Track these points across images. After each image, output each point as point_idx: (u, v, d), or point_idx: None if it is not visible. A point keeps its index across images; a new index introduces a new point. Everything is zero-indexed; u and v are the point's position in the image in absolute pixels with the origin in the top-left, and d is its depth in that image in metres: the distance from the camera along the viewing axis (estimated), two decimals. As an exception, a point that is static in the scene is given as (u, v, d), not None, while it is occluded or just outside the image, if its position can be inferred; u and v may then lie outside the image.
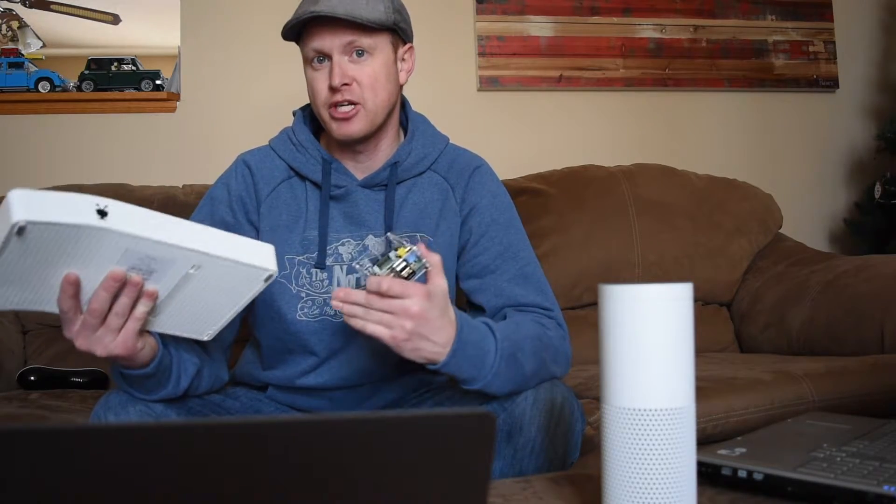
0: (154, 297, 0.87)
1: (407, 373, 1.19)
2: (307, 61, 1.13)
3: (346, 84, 1.09)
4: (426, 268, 0.93)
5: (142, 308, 0.86)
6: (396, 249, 0.94)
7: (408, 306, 0.90)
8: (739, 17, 2.49)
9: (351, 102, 1.10)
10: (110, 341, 0.87)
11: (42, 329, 1.82)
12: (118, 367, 0.96)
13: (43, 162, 2.12)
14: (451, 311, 0.96)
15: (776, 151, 2.53)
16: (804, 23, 2.53)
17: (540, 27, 2.37)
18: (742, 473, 0.77)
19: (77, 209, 0.76)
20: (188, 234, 0.84)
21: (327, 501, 0.46)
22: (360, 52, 1.10)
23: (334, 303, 0.93)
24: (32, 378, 1.64)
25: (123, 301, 0.85)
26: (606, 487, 0.67)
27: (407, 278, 0.93)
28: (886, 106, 2.55)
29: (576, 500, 0.78)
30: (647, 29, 2.44)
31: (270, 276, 0.90)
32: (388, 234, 0.96)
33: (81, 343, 0.87)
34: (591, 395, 1.45)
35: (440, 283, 0.93)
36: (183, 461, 0.43)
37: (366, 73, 1.10)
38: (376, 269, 0.94)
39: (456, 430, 0.47)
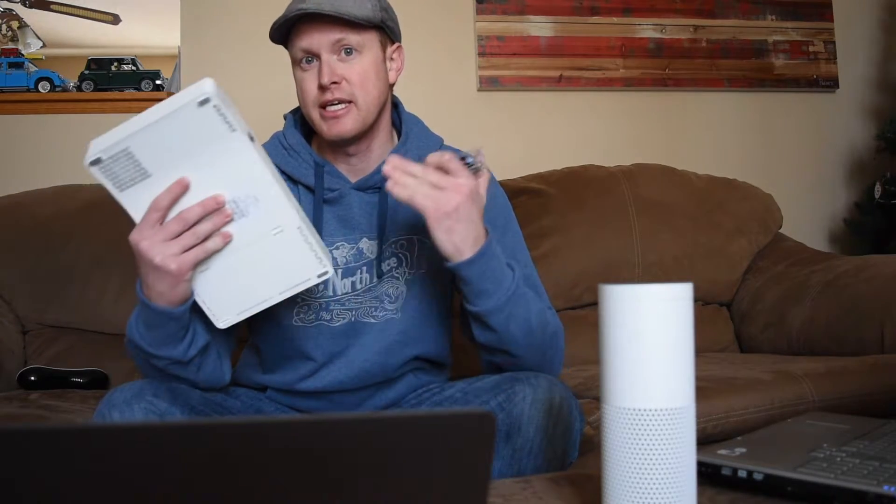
0: (227, 240, 0.93)
1: (405, 374, 1.19)
2: (295, 62, 1.13)
3: (335, 82, 1.08)
4: (479, 171, 1.01)
5: (211, 244, 0.93)
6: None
7: (460, 184, 0.97)
8: (739, 17, 2.49)
9: (341, 101, 1.09)
10: (172, 254, 0.91)
11: (42, 329, 1.82)
12: (146, 303, 0.96)
13: (43, 162, 2.12)
14: (485, 225, 1.02)
15: (776, 151, 2.53)
16: (804, 23, 2.53)
17: (540, 27, 2.37)
18: (742, 473, 0.77)
19: (240, 122, 0.89)
20: (292, 198, 0.95)
21: (327, 501, 0.46)
22: (349, 51, 1.09)
23: (386, 168, 0.97)
24: (32, 378, 1.64)
25: (206, 226, 0.91)
26: (606, 487, 0.67)
27: None
28: (886, 106, 2.55)
29: (576, 500, 0.78)
30: (647, 29, 2.44)
31: (323, 275, 0.98)
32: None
33: (146, 245, 0.91)
34: (591, 395, 1.45)
35: (483, 191, 1.01)
36: (182, 461, 0.43)
37: (355, 71, 1.10)
38: None
39: (456, 430, 0.47)
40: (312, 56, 1.10)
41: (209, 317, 1.00)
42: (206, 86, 0.85)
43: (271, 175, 0.92)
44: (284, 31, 1.11)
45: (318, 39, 1.08)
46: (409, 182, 0.96)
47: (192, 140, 0.87)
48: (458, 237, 0.98)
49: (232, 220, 0.93)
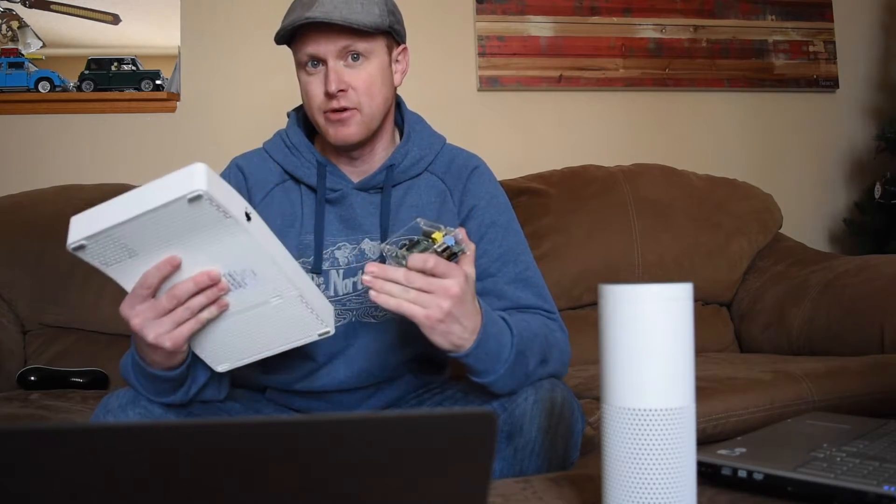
0: (223, 309, 0.90)
1: (405, 374, 1.18)
2: (300, 65, 1.11)
3: (342, 90, 1.08)
4: (463, 252, 0.92)
5: (206, 314, 0.89)
6: (430, 236, 0.92)
7: (448, 286, 0.89)
8: (739, 17, 2.49)
9: (347, 108, 1.09)
10: (165, 331, 0.88)
11: (42, 329, 1.82)
12: (142, 365, 0.95)
13: (43, 162, 2.12)
14: (477, 299, 0.97)
15: (776, 151, 2.53)
16: (804, 23, 2.53)
17: (540, 27, 2.37)
18: (742, 473, 0.77)
19: (235, 203, 0.82)
20: (291, 265, 0.89)
21: (327, 501, 0.46)
22: (356, 57, 1.09)
23: (365, 278, 0.90)
24: (32, 378, 1.64)
25: (200, 300, 0.87)
26: (606, 487, 0.67)
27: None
28: (886, 106, 2.55)
29: (576, 500, 0.78)
30: (647, 29, 2.44)
31: (325, 335, 0.94)
32: (418, 219, 0.95)
33: (137, 323, 0.88)
34: (591, 395, 1.45)
35: (471, 271, 0.93)
36: (183, 461, 0.43)
37: (361, 78, 1.09)
38: (411, 251, 0.91)
39: (456, 430, 0.47)
40: (318, 61, 1.09)
41: (207, 362, 0.98)
42: (197, 180, 0.78)
43: (268, 250, 0.86)
44: (290, 34, 1.10)
45: (324, 46, 1.07)
46: (393, 290, 0.89)
47: (183, 227, 0.82)
48: (455, 336, 0.93)
49: (229, 290, 0.88)
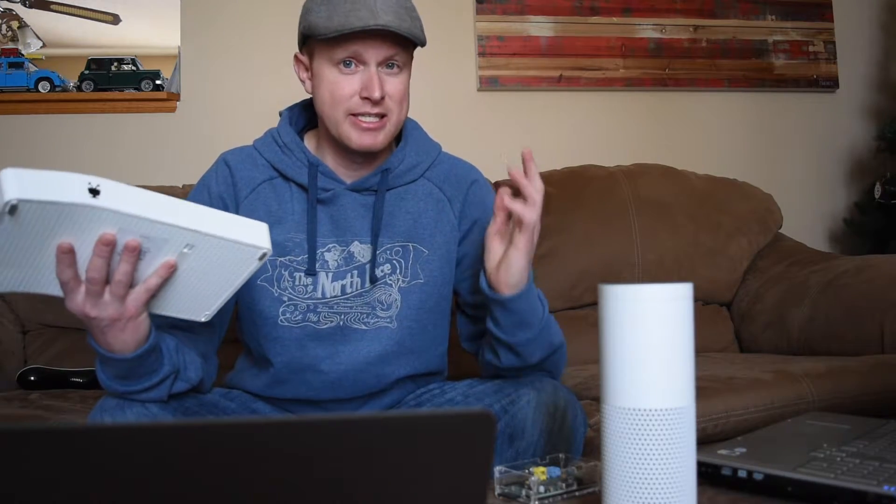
0: (171, 270, 0.86)
1: (397, 383, 1.17)
2: (332, 62, 1.07)
3: (382, 98, 1.08)
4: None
5: (154, 280, 0.86)
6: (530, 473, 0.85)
7: (536, 200, 1.08)
8: (739, 17, 2.49)
9: (378, 115, 1.08)
10: (115, 309, 0.87)
11: (42, 329, 1.82)
12: (103, 353, 0.93)
13: (43, 162, 2.12)
14: None
15: (776, 151, 2.53)
16: (804, 23, 2.53)
17: (540, 27, 2.37)
18: (742, 473, 0.77)
19: (70, 188, 0.75)
20: (181, 212, 0.83)
21: (327, 501, 0.46)
22: (392, 65, 1.09)
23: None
24: (32, 378, 1.64)
25: (124, 268, 0.84)
26: (606, 487, 0.67)
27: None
28: (886, 106, 2.55)
29: (576, 500, 0.78)
30: (647, 29, 2.44)
31: (265, 255, 0.89)
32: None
33: (90, 310, 0.86)
34: (591, 395, 1.45)
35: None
36: (183, 461, 0.43)
37: (397, 88, 1.09)
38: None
39: (456, 430, 0.47)
40: (354, 61, 1.07)
41: (189, 319, 0.95)
42: (6, 192, 0.72)
43: (139, 213, 0.80)
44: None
45: (374, 50, 1.06)
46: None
47: (39, 229, 0.77)
48: (528, 261, 1.02)
49: (144, 251, 0.84)
